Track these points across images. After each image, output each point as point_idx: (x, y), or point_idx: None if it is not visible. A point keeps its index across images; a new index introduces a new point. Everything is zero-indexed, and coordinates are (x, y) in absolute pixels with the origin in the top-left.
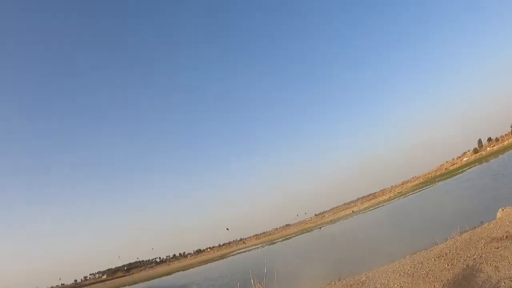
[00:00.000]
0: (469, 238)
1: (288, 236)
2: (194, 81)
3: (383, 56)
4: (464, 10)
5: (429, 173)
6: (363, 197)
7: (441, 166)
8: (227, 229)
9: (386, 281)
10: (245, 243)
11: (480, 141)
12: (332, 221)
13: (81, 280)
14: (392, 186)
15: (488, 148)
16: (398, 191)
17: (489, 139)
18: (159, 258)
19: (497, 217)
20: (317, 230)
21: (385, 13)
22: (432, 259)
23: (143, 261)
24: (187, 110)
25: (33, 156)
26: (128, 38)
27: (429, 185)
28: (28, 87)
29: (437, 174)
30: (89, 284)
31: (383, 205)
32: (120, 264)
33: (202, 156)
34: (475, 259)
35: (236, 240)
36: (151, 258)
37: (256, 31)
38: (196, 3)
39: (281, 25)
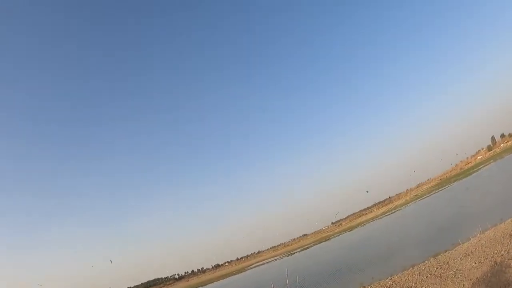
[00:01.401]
0: (493, 235)
1: (306, 246)
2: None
3: (392, 56)
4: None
5: (444, 174)
6: (379, 203)
7: (456, 166)
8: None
9: (413, 284)
10: (262, 256)
11: (493, 138)
12: (349, 229)
13: None
14: (407, 190)
15: (501, 145)
16: (414, 194)
17: (502, 135)
18: (178, 274)
19: None
20: (334, 238)
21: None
22: (458, 259)
23: (161, 278)
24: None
25: None
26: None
27: (445, 186)
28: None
29: (452, 174)
30: None
31: (399, 209)
32: (138, 283)
33: (211, 168)
34: (502, 255)
35: (254, 253)
36: (169, 275)
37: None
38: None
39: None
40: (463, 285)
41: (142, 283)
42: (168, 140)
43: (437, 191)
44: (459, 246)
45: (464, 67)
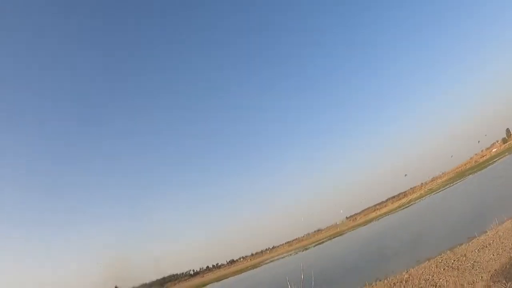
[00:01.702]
0: (511, 226)
1: (321, 241)
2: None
3: (401, 48)
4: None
5: (459, 167)
6: (393, 197)
7: (470, 159)
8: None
9: (430, 277)
10: (277, 251)
11: (508, 131)
12: (364, 223)
13: None
14: (422, 183)
15: None
16: (429, 188)
17: None
18: (193, 270)
19: None
20: (349, 232)
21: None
22: (476, 251)
23: (177, 274)
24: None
25: None
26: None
27: (459, 179)
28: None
29: (467, 167)
30: None
31: (414, 203)
32: (154, 279)
33: (222, 163)
34: None
35: (269, 248)
36: (184, 271)
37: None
38: None
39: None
40: (481, 277)
41: (157, 279)
42: (177, 138)
43: (451, 184)
44: (476, 238)
45: (479, 58)
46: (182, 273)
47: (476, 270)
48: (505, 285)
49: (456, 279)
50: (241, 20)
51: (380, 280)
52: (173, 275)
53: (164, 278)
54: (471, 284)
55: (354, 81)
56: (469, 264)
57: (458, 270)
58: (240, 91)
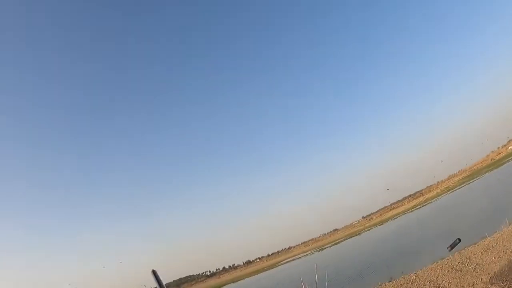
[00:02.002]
0: None
1: (337, 241)
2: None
3: (409, 45)
4: None
5: (475, 165)
6: (410, 196)
7: (487, 156)
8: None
9: (435, 278)
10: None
11: None
12: (380, 223)
13: None
14: (438, 182)
15: None
16: (445, 186)
17: None
18: (209, 271)
19: None
20: (365, 232)
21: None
22: (480, 253)
23: (192, 275)
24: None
25: None
26: None
27: (476, 177)
28: None
29: (484, 165)
30: None
31: (431, 202)
32: (170, 280)
33: (235, 162)
34: None
35: (285, 248)
36: (201, 272)
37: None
38: None
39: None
40: (481, 279)
41: (174, 280)
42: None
43: (468, 182)
44: (482, 240)
45: (488, 58)
46: (198, 274)
47: (477, 272)
48: (502, 286)
49: (458, 280)
50: (241, 19)
51: (390, 281)
52: (189, 276)
53: (180, 279)
54: (471, 285)
55: (366, 77)
56: (472, 266)
57: (461, 272)
58: (248, 91)
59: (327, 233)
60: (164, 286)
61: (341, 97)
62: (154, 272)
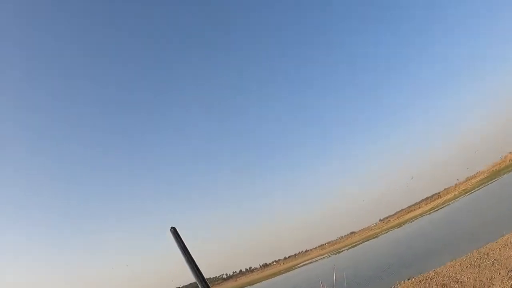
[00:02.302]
0: None
1: (354, 244)
2: None
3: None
4: None
5: (493, 166)
6: (427, 198)
7: (504, 157)
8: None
9: (453, 274)
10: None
11: None
12: (398, 225)
13: None
14: (456, 184)
15: None
16: (463, 188)
17: None
18: (226, 274)
19: None
20: (382, 235)
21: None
22: (498, 249)
23: (209, 278)
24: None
25: None
26: None
27: (495, 179)
28: None
29: (502, 166)
30: None
31: (448, 204)
32: (187, 283)
33: (255, 166)
34: None
35: (302, 251)
36: (217, 275)
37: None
38: None
39: None
40: (499, 273)
41: (190, 283)
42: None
43: (486, 184)
44: (501, 237)
45: (498, 57)
46: (215, 277)
47: (495, 267)
48: None
49: (477, 275)
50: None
51: (409, 279)
52: (206, 279)
53: (196, 282)
54: (490, 279)
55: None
56: (490, 261)
57: (479, 267)
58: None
59: (344, 236)
60: (186, 245)
61: (366, 99)
62: (173, 230)
